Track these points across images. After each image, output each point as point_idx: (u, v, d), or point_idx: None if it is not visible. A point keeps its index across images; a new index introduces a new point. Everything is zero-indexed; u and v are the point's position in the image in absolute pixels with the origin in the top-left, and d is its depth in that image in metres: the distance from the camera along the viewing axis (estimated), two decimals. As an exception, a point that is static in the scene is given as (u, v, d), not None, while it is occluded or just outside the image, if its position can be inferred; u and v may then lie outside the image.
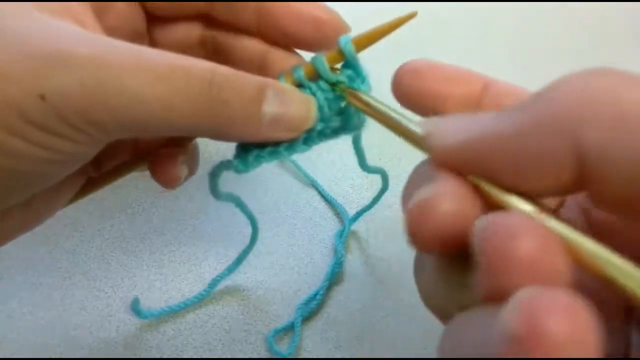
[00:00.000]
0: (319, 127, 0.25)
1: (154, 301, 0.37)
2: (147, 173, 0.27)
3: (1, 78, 0.19)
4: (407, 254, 0.40)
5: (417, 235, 0.17)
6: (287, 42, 0.26)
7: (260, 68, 0.27)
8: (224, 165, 0.26)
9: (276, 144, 0.24)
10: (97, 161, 0.27)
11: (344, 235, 0.40)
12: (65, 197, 0.27)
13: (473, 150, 0.17)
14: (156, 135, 0.23)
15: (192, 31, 0.28)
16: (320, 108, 0.24)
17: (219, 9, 0.26)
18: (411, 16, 0.25)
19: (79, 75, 0.19)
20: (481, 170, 0.17)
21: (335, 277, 0.38)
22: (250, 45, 0.27)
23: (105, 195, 0.42)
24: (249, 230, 0.33)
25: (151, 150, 0.27)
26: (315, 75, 0.25)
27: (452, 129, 0.18)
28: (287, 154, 0.25)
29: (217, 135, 0.22)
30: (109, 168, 0.28)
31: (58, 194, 0.26)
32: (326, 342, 0.35)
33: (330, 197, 0.43)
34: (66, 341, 0.35)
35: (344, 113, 0.26)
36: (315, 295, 0.37)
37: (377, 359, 0.35)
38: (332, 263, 0.39)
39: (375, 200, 0.38)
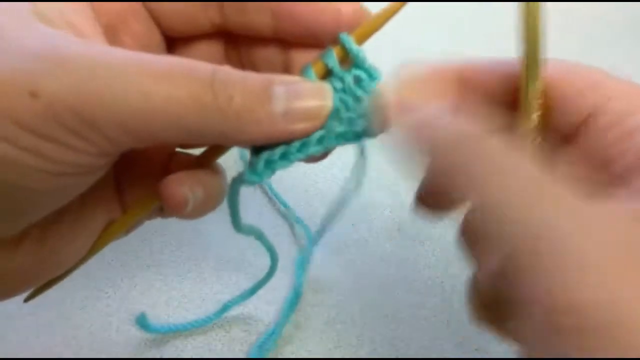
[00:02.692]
0: (338, 128, 0.24)
1: (153, 300, 0.37)
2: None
3: None
4: (406, 254, 0.40)
5: None
6: (308, 39, 0.25)
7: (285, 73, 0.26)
8: (236, 182, 0.24)
9: (288, 144, 0.23)
10: (119, 192, 0.26)
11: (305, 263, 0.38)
12: (85, 237, 0.26)
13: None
14: (165, 142, 0.22)
15: (214, 50, 0.27)
16: (336, 107, 0.24)
17: (231, 14, 0.25)
18: (402, 4, 0.24)
19: (75, 73, 0.19)
20: None
21: (294, 309, 0.36)
22: (271, 54, 0.26)
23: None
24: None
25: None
26: (328, 73, 0.25)
27: None
28: (300, 154, 0.24)
29: (231, 136, 0.21)
30: (132, 202, 0.27)
31: (74, 231, 0.25)
32: (326, 342, 0.35)
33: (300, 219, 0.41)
34: (66, 341, 0.35)
35: (364, 115, 0.24)
36: (272, 334, 0.35)
37: (377, 359, 0.35)
38: (290, 297, 0.37)
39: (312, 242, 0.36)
